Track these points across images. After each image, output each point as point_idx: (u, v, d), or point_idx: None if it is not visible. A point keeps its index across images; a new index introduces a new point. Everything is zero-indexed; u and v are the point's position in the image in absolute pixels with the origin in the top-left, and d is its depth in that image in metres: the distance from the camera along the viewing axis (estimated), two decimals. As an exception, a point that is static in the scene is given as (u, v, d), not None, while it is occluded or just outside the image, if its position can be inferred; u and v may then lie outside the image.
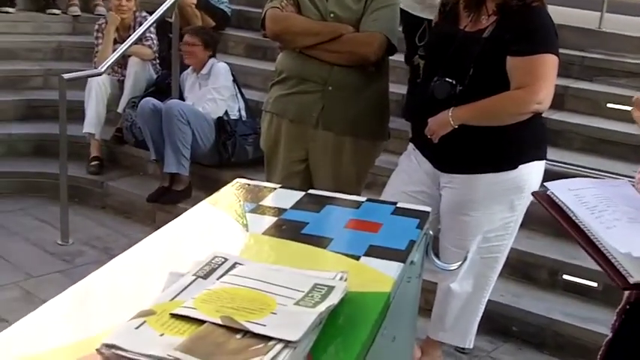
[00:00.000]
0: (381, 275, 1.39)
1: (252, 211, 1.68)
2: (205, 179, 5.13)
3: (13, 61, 6.55)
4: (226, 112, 5.14)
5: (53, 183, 5.23)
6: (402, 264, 1.45)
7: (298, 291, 1.21)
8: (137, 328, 1.06)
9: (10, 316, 3.77)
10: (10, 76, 6.33)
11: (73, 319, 1.21)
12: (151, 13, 5.63)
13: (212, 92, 5.13)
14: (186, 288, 1.20)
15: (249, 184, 1.87)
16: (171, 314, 1.10)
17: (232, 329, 1.07)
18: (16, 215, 5.11)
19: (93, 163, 5.46)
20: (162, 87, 5.59)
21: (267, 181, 3.30)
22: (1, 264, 4.36)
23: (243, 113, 5.21)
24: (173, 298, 1.16)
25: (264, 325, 1.08)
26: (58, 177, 4.90)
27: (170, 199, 4.99)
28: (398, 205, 1.82)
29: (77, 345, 1.07)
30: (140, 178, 5.48)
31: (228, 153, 5.10)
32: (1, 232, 4.82)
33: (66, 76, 4.66)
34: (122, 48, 5.14)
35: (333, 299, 1.20)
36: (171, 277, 1.25)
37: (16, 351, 1.07)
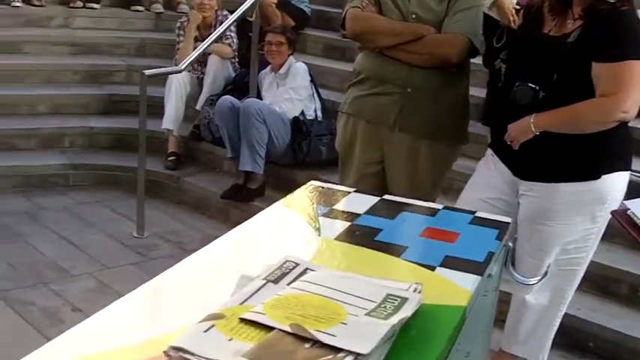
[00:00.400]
0: (456, 288, 1.34)
1: (326, 214, 1.65)
2: (279, 178, 5.15)
3: (97, 56, 6.70)
4: (302, 112, 5.13)
5: (131, 177, 5.33)
6: (479, 277, 1.40)
7: (370, 301, 1.17)
8: (206, 331, 1.04)
9: (83, 305, 3.85)
10: (94, 70, 6.49)
11: (143, 317, 1.20)
12: (231, 12, 5.68)
13: (289, 92, 5.14)
14: (256, 292, 1.17)
15: (323, 187, 1.84)
16: (240, 319, 1.08)
17: (301, 338, 1.04)
18: (93, 207, 5.22)
19: (170, 158, 5.53)
20: (241, 85, 5.62)
21: (341, 182, 3.27)
22: (77, 254, 4.45)
23: (319, 113, 5.19)
24: (243, 302, 1.14)
25: (334, 336, 1.05)
26: (135, 171, 4.99)
27: (244, 197, 5.01)
28: (476, 215, 1.76)
29: (145, 344, 1.06)
30: (215, 174, 5.52)
31: (303, 153, 5.10)
32: (79, 223, 4.93)
33: (147, 72, 4.74)
34: (203, 46, 5.20)
35: (407, 311, 1.15)
36: (241, 279, 1.23)
37: (85, 347, 1.06)
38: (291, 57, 5.31)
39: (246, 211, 4.98)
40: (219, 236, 4.69)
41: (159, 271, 4.38)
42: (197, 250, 4.50)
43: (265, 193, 5.03)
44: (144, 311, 1.22)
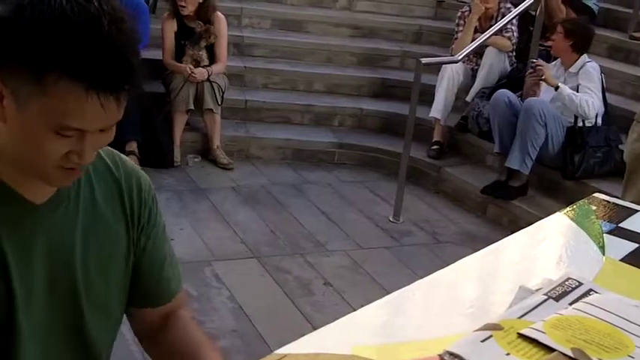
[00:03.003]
0: None
1: (611, 232, 1.54)
2: (543, 179, 4.98)
3: (375, 40, 6.85)
4: (581, 120, 4.83)
5: (393, 161, 5.41)
6: None
7: (662, 336, 1.07)
8: (483, 341, 1.00)
9: (334, 281, 3.97)
10: (370, 53, 6.64)
11: (413, 314, 1.18)
12: (515, 5, 5.54)
13: (586, 90, 4.83)
14: (536, 307, 1.11)
15: (608, 202, 1.72)
16: (518, 333, 1.03)
17: (582, 364, 0.97)
18: (355, 186, 5.36)
19: (434, 147, 5.53)
20: (515, 80, 5.46)
21: (623, 196, 3.06)
22: (334, 230, 4.60)
23: (599, 120, 4.86)
24: (521, 316, 1.08)
25: (619, 369, 0.97)
26: (399, 156, 5.04)
27: (505, 194, 4.89)
28: None
29: (415, 344, 1.04)
30: (478, 168, 5.43)
31: (574, 162, 4.82)
32: (339, 200, 5.09)
33: (424, 60, 4.76)
34: (482, 38, 5.13)
35: None
36: (520, 291, 1.17)
37: (355, 337, 1.06)
38: (584, 55, 4.99)
39: (504, 208, 4.87)
40: (474, 231, 4.62)
41: (410, 257, 4.43)
42: (450, 242, 4.48)
43: (527, 193, 4.86)
44: (414, 308, 1.21)
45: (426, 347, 1.01)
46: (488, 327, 1.03)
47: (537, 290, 1.17)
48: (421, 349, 1.01)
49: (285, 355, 1.01)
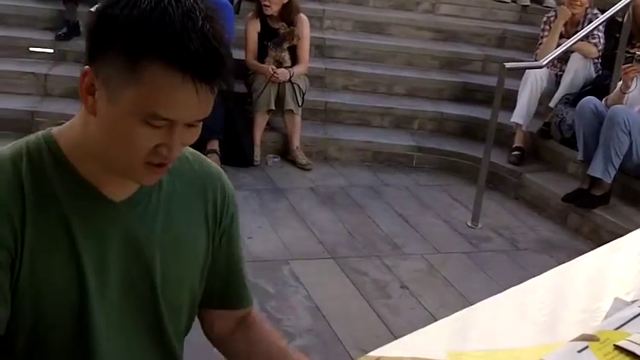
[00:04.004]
0: None
1: None
2: (627, 189, 4.87)
3: (457, 43, 6.81)
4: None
5: (473, 166, 5.37)
6: None
7: None
8: (580, 352, 0.99)
9: (411, 284, 3.96)
10: (452, 57, 6.60)
11: (505, 322, 1.18)
12: (602, 11, 5.42)
13: None
14: (632, 319, 1.10)
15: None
16: (615, 345, 1.02)
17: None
18: (433, 190, 5.34)
19: (514, 152, 5.45)
20: (600, 87, 5.35)
21: None
22: (411, 234, 4.59)
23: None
24: (618, 328, 1.07)
25: None
26: (479, 160, 5.00)
27: (586, 203, 4.79)
28: None
29: (507, 353, 1.04)
30: (559, 175, 5.34)
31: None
32: (417, 204, 5.08)
33: (508, 65, 4.71)
34: (567, 43, 5.04)
35: None
36: (616, 303, 1.16)
37: (449, 343, 1.07)
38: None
39: (586, 217, 4.78)
40: (553, 239, 4.53)
41: (488, 263, 4.38)
42: (529, 249, 4.40)
43: (610, 202, 4.76)
44: (508, 315, 1.20)
45: (521, 356, 1.01)
46: (584, 337, 1.02)
47: (633, 302, 1.16)
48: (516, 357, 1.01)
49: (379, 358, 1.02)
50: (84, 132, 1.20)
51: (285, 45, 5.40)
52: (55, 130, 1.25)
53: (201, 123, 1.17)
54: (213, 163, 1.42)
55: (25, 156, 1.21)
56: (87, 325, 1.23)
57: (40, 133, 1.26)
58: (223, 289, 1.43)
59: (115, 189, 1.24)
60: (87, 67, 1.14)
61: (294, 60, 5.45)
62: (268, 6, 5.33)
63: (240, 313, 1.48)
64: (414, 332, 1.09)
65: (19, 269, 1.17)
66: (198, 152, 1.40)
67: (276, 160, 5.48)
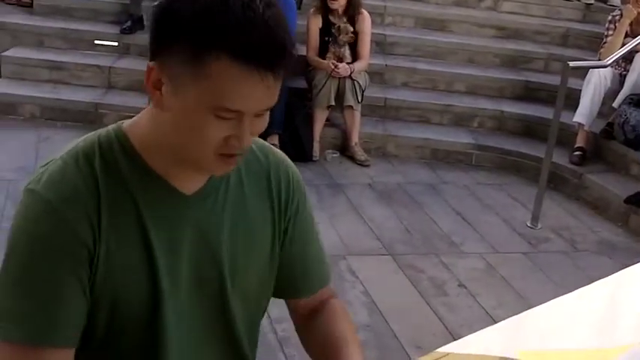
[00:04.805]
0: None
1: None
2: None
3: (519, 41, 6.74)
4: None
5: (533, 165, 5.32)
6: None
7: None
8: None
9: (469, 283, 3.94)
10: (514, 55, 6.53)
11: (583, 321, 1.16)
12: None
13: None
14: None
15: None
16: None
17: None
18: (492, 189, 5.30)
19: (576, 153, 5.38)
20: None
21: None
22: (469, 232, 4.56)
23: None
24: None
25: None
26: (539, 160, 4.95)
27: (650, 206, 4.71)
28: None
29: (587, 352, 1.03)
30: (621, 176, 5.25)
31: None
32: (476, 202, 5.04)
33: (572, 64, 4.65)
34: (633, 43, 4.96)
35: None
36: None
37: (522, 341, 1.06)
38: None
39: (647, 220, 4.70)
40: (614, 241, 4.47)
41: (547, 264, 4.33)
42: (589, 250, 4.33)
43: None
44: (580, 315, 1.18)
45: (594, 356, 1.00)
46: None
47: None
48: (589, 357, 1.00)
49: (447, 354, 1.02)
50: (153, 126, 1.21)
51: (344, 39, 5.39)
52: (125, 123, 1.26)
53: (268, 112, 1.17)
54: (277, 150, 1.41)
55: (97, 150, 1.22)
56: (158, 319, 1.24)
57: (110, 127, 1.27)
58: (286, 277, 1.41)
59: (185, 182, 1.24)
60: (151, 62, 1.15)
61: (355, 56, 5.45)
62: (335, 0, 5.34)
63: (307, 301, 1.45)
64: (487, 328, 1.08)
65: (96, 265, 1.18)
66: (263, 141, 1.39)
67: (334, 155, 5.51)
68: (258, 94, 1.11)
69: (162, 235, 1.22)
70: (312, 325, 1.43)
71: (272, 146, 1.41)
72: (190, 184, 1.25)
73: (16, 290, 1.17)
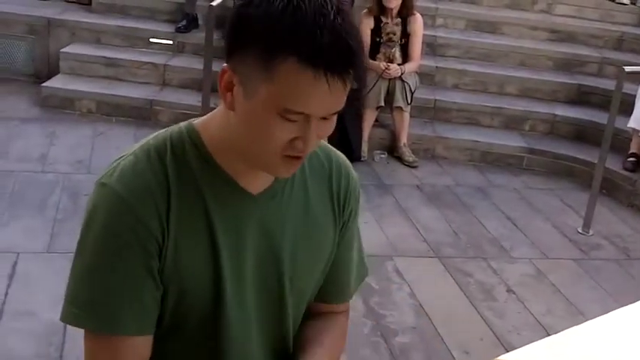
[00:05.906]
0: None
1: None
2: None
3: (573, 45, 6.64)
4: None
5: (586, 170, 5.25)
6: None
7: None
8: None
9: (518, 289, 3.91)
10: (567, 58, 6.44)
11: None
12: None
13: None
14: None
15: None
16: None
17: None
18: (543, 194, 5.23)
19: (630, 159, 5.29)
20: None
21: None
22: (519, 237, 4.51)
23: None
24: None
25: None
26: (592, 165, 4.88)
27: None
28: None
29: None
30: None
31: None
32: (526, 206, 4.99)
33: (627, 68, 4.57)
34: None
35: None
36: None
37: (597, 347, 1.04)
38: None
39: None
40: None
41: (598, 272, 4.26)
42: (640, 258, 4.09)
43: None
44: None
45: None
46: None
47: None
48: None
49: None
50: (224, 126, 1.23)
51: (393, 39, 5.38)
52: (196, 122, 1.29)
53: (336, 116, 1.19)
54: (340, 153, 1.43)
55: (169, 147, 1.25)
56: (220, 309, 1.27)
57: (182, 124, 1.30)
58: (329, 283, 1.42)
59: (252, 182, 1.26)
60: (225, 65, 1.18)
61: (405, 57, 5.44)
62: None
63: (329, 307, 1.47)
64: (558, 334, 1.07)
65: (165, 257, 1.21)
66: (326, 143, 1.39)
67: (383, 156, 5.50)
68: (325, 97, 1.12)
69: (227, 232, 1.25)
70: (308, 324, 1.44)
71: (333, 148, 1.43)
72: (257, 183, 1.27)
73: (92, 280, 1.21)
